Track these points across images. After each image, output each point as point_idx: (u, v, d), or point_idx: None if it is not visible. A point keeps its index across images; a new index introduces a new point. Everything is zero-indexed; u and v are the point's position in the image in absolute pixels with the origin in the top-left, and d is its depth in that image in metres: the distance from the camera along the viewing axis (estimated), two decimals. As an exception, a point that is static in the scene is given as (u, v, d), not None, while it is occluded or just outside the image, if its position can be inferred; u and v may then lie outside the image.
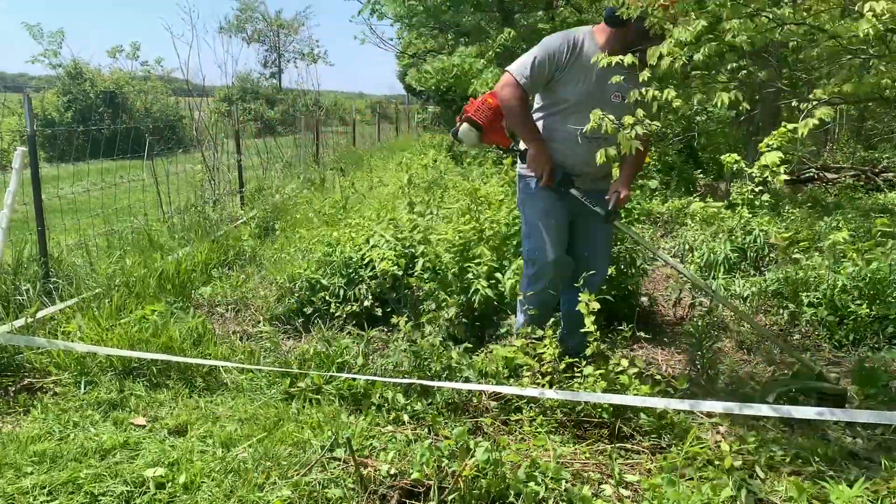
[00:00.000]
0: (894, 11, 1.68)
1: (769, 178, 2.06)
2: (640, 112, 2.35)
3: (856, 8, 1.81)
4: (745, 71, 2.43)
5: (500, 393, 2.92)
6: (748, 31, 2.01)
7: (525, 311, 3.26)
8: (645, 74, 2.41)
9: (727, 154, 5.30)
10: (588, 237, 3.25)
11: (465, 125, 3.11)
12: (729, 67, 2.55)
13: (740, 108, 2.19)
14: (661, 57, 2.26)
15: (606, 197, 3.08)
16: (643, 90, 2.39)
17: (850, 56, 2.21)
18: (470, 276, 3.83)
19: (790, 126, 2.15)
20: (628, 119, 2.34)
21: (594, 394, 2.68)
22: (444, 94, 13.31)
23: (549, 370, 2.91)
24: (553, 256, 3.13)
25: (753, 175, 5.48)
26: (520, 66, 2.96)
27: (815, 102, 2.07)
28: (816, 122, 1.95)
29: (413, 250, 4.21)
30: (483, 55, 8.96)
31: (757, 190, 5.72)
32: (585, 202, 3.06)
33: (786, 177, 2.06)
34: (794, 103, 2.22)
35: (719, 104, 2.12)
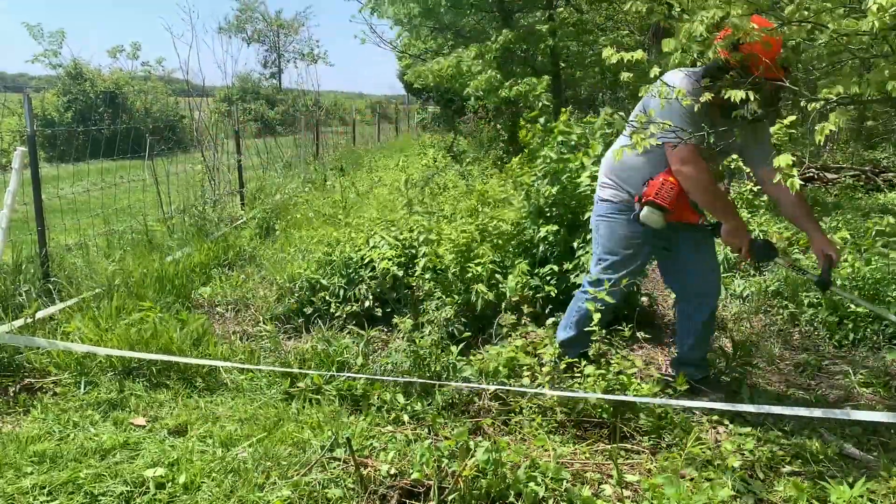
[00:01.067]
0: None
1: (782, 183, 2.01)
2: (651, 111, 2.34)
3: (861, 6, 1.80)
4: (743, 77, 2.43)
5: (499, 393, 2.93)
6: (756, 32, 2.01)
7: (574, 322, 3.18)
8: (655, 70, 2.40)
9: None
10: (686, 263, 3.09)
11: (647, 209, 2.82)
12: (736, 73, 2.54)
13: (749, 107, 2.18)
14: (670, 54, 2.25)
15: (818, 266, 2.81)
16: (651, 86, 2.39)
17: (852, 57, 2.21)
18: (470, 276, 3.83)
19: (786, 121, 2.14)
20: (641, 117, 2.33)
21: (594, 394, 2.68)
22: (443, 94, 13.31)
23: (549, 370, 2.91)
24: (616, 296, 3.03)
25: (751, 174, 5.48)
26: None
27: (822, 102, 2.06)
28: (833, 127, 1.91)
29: (413, 250, 4.21)
30: (482, 56, 8.95)
31: (755, 189, 5.71)
32: (796, 272, 2.89)
33: (800, 182, 2.00)
34: (802, 103, 2.21)
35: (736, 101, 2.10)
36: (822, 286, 2.76)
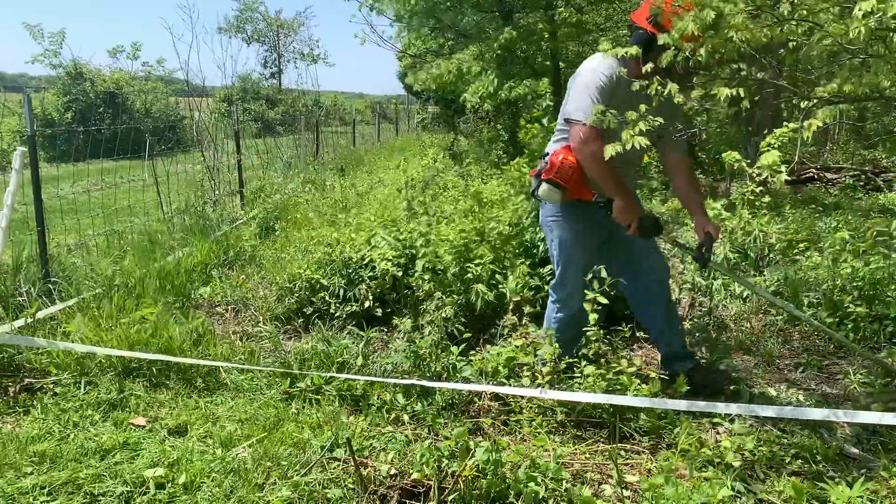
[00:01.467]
0: (884, 10, 1.69)
1: (769, 178, 2.06)
2: (642, 106, 2.35)
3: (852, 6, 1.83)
4: (744, 72, 2.43)
5: (500, 393, 2.92)
6: (749, 29, 2.02)
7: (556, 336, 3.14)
8: (647, 67, 2.40)
9: (727, 152, 5.30)
10: (638, 250, 3.14)
11: (546, 186, 2.92)
12: (729, 69, 2.55)
13: (741, 105, 2.18)
14: (664, 49, 2.26)
15: (698, 239, 2.99)
16: (643, 83, 2.39)
17: (849, 56, 2.22)
18: (469, 276, 3.83)
19: (791, 126, 2.15)
20: (631, 115, 2.34)
21: (594, 394, 2.68)
22: (443, 94, 13.31)
23: (549, 370, 2.91)
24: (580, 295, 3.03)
25: (754, 175, 5.49)
26: (588, 113, 2.66)
27: (815, 101, 2.07)
28: (820, 123, 1.94)
29: (413, 250, 4.21)
30: (482, 56, 8.94)
31: (758, 190, 5.71)
32: (678, 247, 3.03)
33: (787, 177, 2.06)
34: (794, 101, 2.23)
35: (721, 99, 2.11)
36: (700, 262, 2.95)
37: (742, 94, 2.11)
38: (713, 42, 2.12)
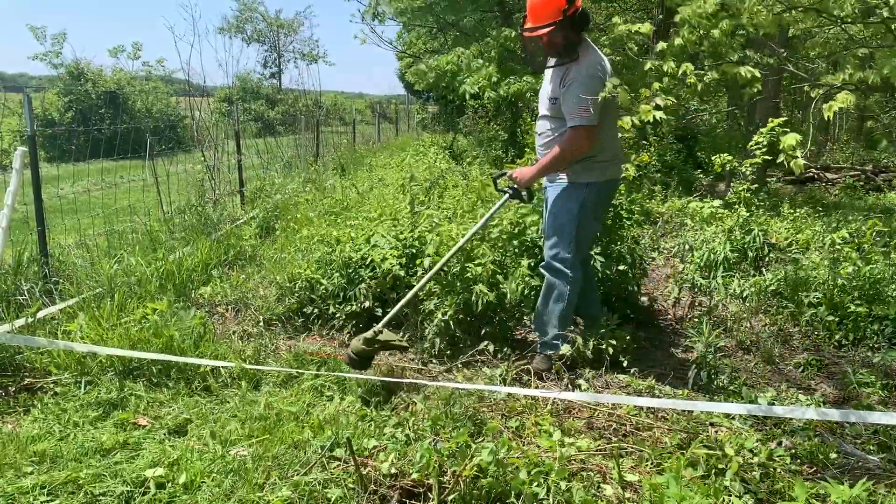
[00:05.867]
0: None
1: (786, 163, 2.05)
2: (656, 85, 2.34)
3: None
4: (750, 60, 2.43)
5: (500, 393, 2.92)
6: (762, 14, 2.01)
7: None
8: (662, 45, 2.40)
9: (719, 155, 5.33)
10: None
11: None
12: (736, 57, 2.54)
13: (754, 89, 2.18)
14: (679, 26, 2.25)
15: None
16: (657, 62, 2.38)
17: (856, 46, 2.22)
18: (469, 276, 3.82)
19: (777, 121, 2.15)
20: (645, 91, 2.34)
21: (593, 394, 2.68)
22: (442, 93, 13.32)
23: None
24: None
25: (747, 174, 5.49)
26: None
27: (828, 88, 2.07)
28: (842, 105, 1.93)
29: (413, 250, 4.20)
30: (482, 55, 8.94)
31: (753, 188, 5.72)
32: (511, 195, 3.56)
33: (803, 161, 2.04)
34: (805, 88, 2.22)
35: (739, 77, 2.10)
36: (517, 197, 3.49)
37: (758, 76, 2.11)
38: (728, 24, 2.11)
